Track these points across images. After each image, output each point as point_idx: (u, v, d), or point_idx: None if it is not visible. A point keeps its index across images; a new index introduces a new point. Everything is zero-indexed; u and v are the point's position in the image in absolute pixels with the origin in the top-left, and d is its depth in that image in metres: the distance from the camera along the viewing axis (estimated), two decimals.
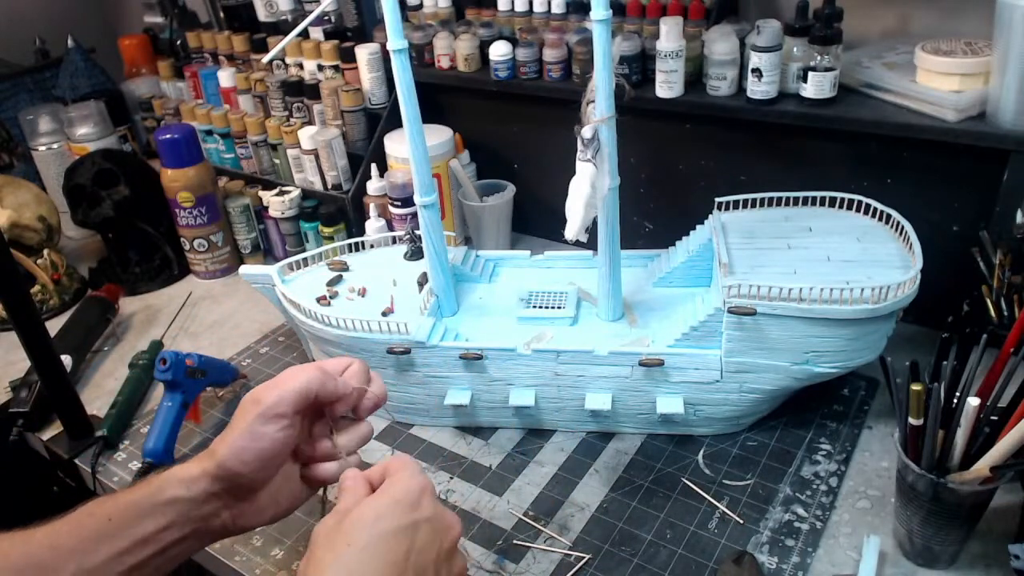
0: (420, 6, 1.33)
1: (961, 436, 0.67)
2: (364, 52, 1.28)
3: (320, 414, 0.67)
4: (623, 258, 0.93)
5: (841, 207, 0.96)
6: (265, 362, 1.12)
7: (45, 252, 1.33)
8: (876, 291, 0.79)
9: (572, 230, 0.84)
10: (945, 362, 0.70)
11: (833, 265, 0.87)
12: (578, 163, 0.83)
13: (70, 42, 1.60)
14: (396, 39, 0.82)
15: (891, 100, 0.97)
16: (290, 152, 1.31)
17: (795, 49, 0.99)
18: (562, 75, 1.17)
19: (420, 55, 1.28)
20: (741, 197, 0.98)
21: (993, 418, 0.68)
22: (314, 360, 1.08)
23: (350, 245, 1.10)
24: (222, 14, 1.57)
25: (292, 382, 0.61)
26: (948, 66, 0.91)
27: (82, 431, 0.99)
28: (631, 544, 0.79)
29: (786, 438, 0.90)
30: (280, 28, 1.45)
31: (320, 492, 0.69)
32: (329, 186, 1.29)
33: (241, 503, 0.62)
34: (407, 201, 1.19)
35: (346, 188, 1.28)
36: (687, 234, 1.02)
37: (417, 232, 1.04)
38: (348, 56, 1.31)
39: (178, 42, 1.61)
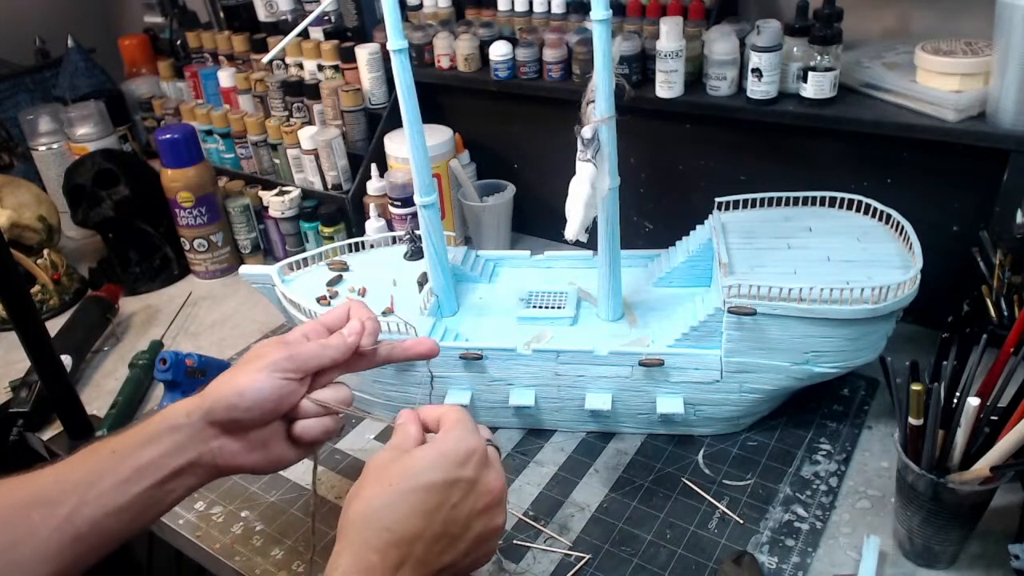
0: (420, 6, 1.33)
1: (961, 436, 0.67)
2: (364, 52, 1.28)
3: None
4: (623, 258, 0.93)
5: (841, 207, 0.96)
6: None
7: (45, 252, 1.33)
8: (876, 291, 0.79)
9: (572, 230, 0.84)
10: (945, 362, 0.70)
11: (833, 265, 0.87)
12: (578, 163, 0.84)
13: (70, 42, 1.60)
14: (396, 39, 0.82)
15: (891, 100, 0.97)
16: (290, 152, 1.31)
17: (795, 49, 0.99)
18: (562, 75, 1.17)
19: (420, 55, 1.28)
20: (741, 197, 0.98)
21: (993, 418, 0.68)
22: None
23: (350, 245, 1.10)
24: (222, 14, 1.57)
25: (304, 353, 0.65)
26: (948, 66, 0.91)
27: (82, 431, 0.99)
28: (631, 544, 0.79)
29: (786, 438, 0.90)
30: (280, 28, 1.45)
31: (312, 459, 0.71)
32: (329, 186, 1.29)
33: (231, 438, 0.64)
34: (407, 201, 1.19)
35: (346, 188, 1.28)
36: (687, 234, 1.02)
37: (417, 232, 1.04)
38: (348, 56, 1.31)
39: (178, 42, 1.61)
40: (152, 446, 0.61)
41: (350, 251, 1.10)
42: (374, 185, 1.25)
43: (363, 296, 1.00)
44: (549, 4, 1.21)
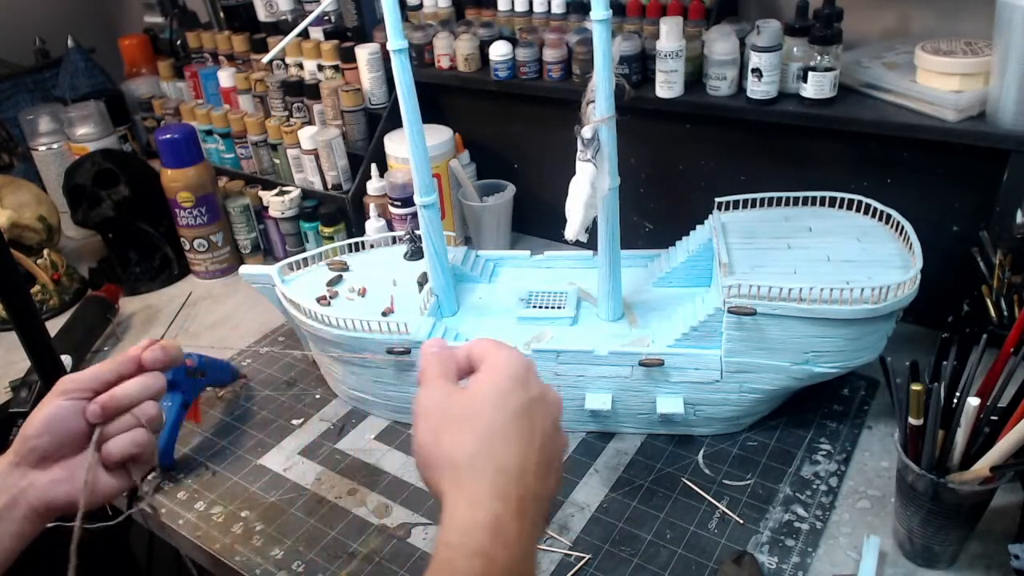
0: (420, 6, 1.33)
1: (961, 436, 0.67)
2: (364, 52, 1.28)
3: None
4: (623, 258, 0.93)
5: (841, 207, 0.96)
6: (265, 362, 1.12)
7: (45, 252, 1.33)
8: (876, 291, 0.79)
9: (572, 230, 0.84)
10: (945, 362, 0.70)
11: (833, 265, 0.87)
12: (578, 163, 0.84)
13: (70, 42, 1.60)
14: (396, 39, 0.82)
15: (891, 100, 0.97)
16: (290, 152, 1.31)
17: (795, 49, 0.99)
18: (562, 75, 1.17)
19: (420, 55, 1.28)
20: (741, 197, 0.98)
21: (993, 418, 0.68)
22: (313, 360, 1.08)
23: (350, 245, 1.10)
24: (222, 14, 1.57)
25: (86, 372, 0.63)
26: (948, 66, 0.91)
27: None
28: (631, 544, 0.79)
29: (786, 438, 0.90)
30: (280, 28, 1.45)
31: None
32: (329, 186, 1.29)
33: (39, 471, 0.61)
34: (407, 201, 1.19)
35: (346, 188, 1.28)
36: (687, 234, 1.02)
37: (417, 232, 1.04)
38: (348, 56, 1.31)
39: (178, 42, 1.61)
40: None
41: (350, 251, 1.10)
42: (374, 185, 1.25)
43: (363, 296, 1.00)
44: (549, 4, 1.21)
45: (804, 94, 0.99)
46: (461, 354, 0.56)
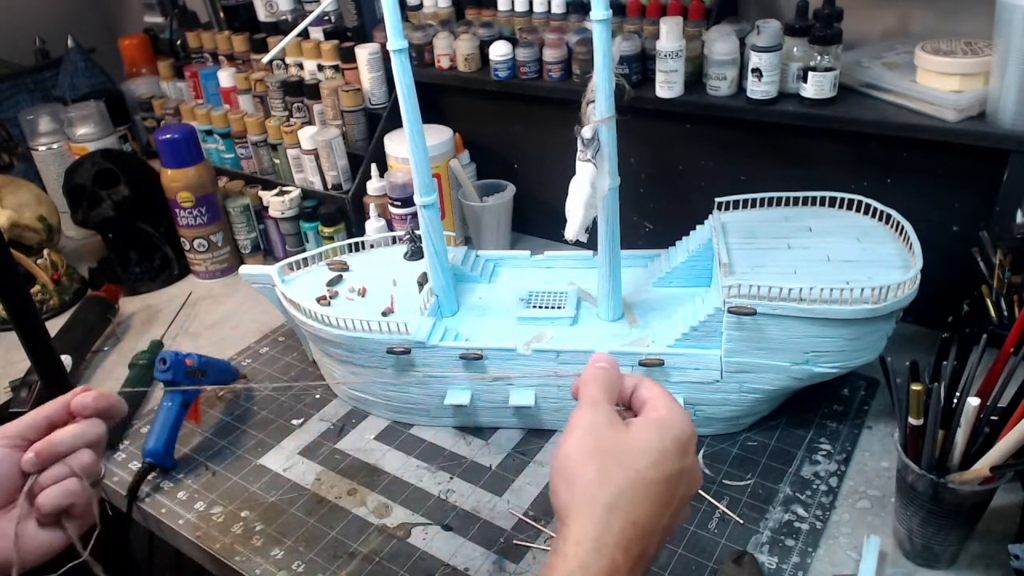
0: (420, 6, 1.33)
1: (961, 436, 0.67)
2: (364, 52, 1.28)
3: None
4: (623, 258, 0.93)
5: (841, 207, 0.96)
6: (265, 362, 1.12)
7: (45, 252, 1.33)
8: (876, 291, 0.79)
9: (572, 230, 0.84)
10: (945, 362, 0.70)
11: (833, 265, 0.87)
12: (578, 163, 0.83)
13: (70, 42, 1.60)
14: (396, 39, 0.82)
15: (891, 100, 0.97)
16: (290, 152, 1.31)
17: (795, 49, 0.99)
18: (562, 75, 1.17)
19: (420, 55, 1.28)
20: (741, 197, 0.98)
21: (993, 418, 0.68)
22: (312, 360, 1.08)
23: (350, 245, 1.10)
24: (222, 14, 1.57)
25: (14, 423, 0.60)
26: (948, 66, 0.91)
27: None
28: None
29: (786, 438, 0.90)
30: (280, 28, 1.45)
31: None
32: (329, 186, 1.29)
33: None
34: (407, 201, 1.19)
35: (346, 188, 1.28)
36: (687, 234, 1.02)
37: (417, 232, 1.04)
38: (348, 56, 1.31)
39: (178, 42, 1.61)
40: None
41: (350, 251, 1.10)
42: (374, 185, 1.25)
43: (363, 296, 1.00)
44: (549, 4, 1.21)
45: (804, 94, 0.99)
46: (628, 384, 0.57)
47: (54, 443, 0.59)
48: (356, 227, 1.28)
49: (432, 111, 1.29)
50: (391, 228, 1.24)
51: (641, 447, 0.51)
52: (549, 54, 1.16)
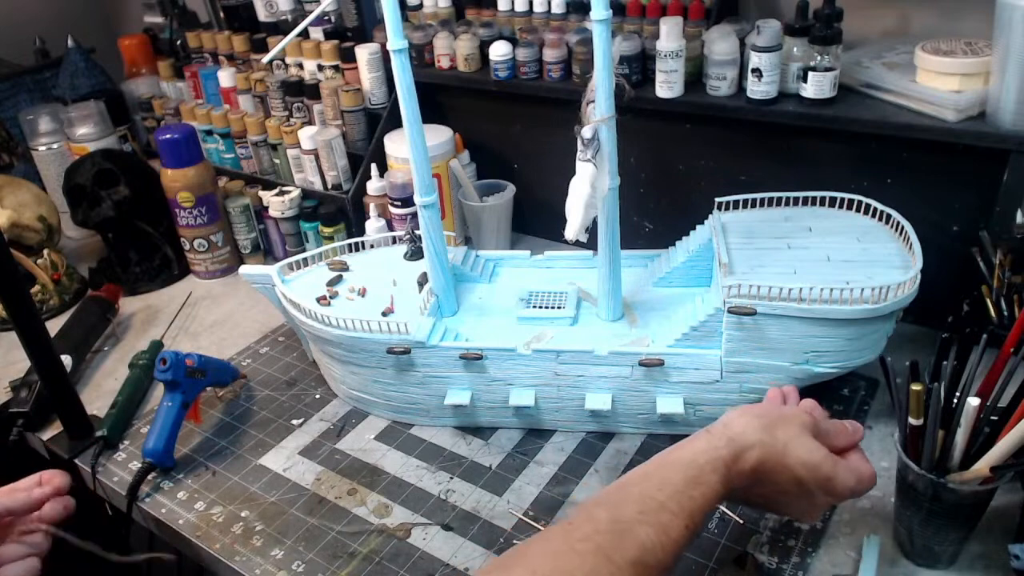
0: (420, 6, 1.33)
1: (961, 436, 0.67)
2: (364, 52, 1.28)
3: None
4: (623, 258, 0.93)
5: (841, 207, 0.96)
6: (265, 362, 1.12)
7: (45, 252, 1.33)
8: (876, 291, 0.79)
9: (572, 230, 0.84)
10: (945, 362, 0.70)
11: (833, 265, 0.87)
12: (578, 163, 0.83)
13: (70, 42, 1.60)
14: (396, 39, 0.82)
15: (891, 100, 0.97)
16: (290, 152, 1.31)
17: (795, 49, 0.99)
18: (562, 75, 1.17)
19: (420, 55, 1.28)
20: (741, 197, 0.98)
21: (993, 418, 0.68)
22: (312, 360, 1.08)
23: (350, 245, 1.10)
24: (222, 14, 1.57)
25: None
26: (948, 66, 0.91)
27: (82, 431, 0.99)
28: None
29: None
30: (280, 28, 1.45)
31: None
32: (329, 186, 1.29)
33: None
34: (407, 201, 1.19)
35: (346, 188, 1.28)
36: (687, 234, 1.02)
37: (417, 232, 1.04)
38: (348, 56, 1.31)
39: (178, 42, 1.61)
40: None
41: (350, 251, 1.10)
42: (374, 185, 1.25)
43: (363, 296, 1.00)
44: (549, 4, 1.21)
45: (804, 94, 0.99)
46: (836, 432, 0.70)
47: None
48: (356, 227, 1.28)
49: (432, 111, 1.29)
50: (391, 228, 1.24)
51: (808, 446, 0.65)
52: (549, 54, 1.16)
